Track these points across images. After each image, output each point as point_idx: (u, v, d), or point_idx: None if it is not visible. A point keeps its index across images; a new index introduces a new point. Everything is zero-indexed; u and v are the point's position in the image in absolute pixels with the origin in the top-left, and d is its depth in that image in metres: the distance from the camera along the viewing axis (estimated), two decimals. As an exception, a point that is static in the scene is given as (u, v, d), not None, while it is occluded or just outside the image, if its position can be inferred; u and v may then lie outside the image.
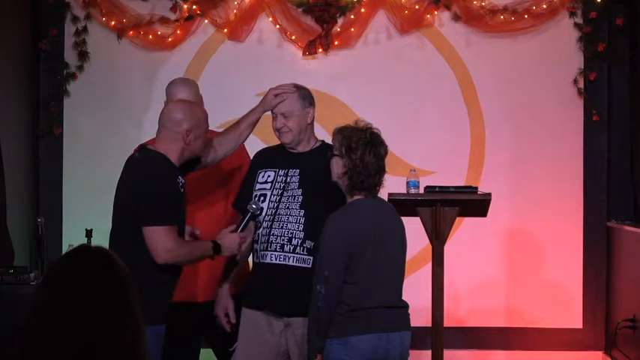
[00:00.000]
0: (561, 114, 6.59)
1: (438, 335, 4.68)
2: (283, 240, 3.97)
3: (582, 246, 6.56)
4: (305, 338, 3.80)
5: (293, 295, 3.89)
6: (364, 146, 3.75)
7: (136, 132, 6.63)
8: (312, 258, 3.89)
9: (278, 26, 6.60)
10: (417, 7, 6.55)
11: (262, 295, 4.00)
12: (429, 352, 4.77)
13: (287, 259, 3.96)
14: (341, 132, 3.82)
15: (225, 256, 4.10)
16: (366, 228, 3.73)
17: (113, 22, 6.60)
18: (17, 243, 6.07)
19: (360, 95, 6.63)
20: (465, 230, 6.31)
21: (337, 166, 3.79)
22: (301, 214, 3.98)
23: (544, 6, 6.51)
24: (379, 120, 6.12)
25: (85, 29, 6.62)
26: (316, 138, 4.19)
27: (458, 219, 4.86)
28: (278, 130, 4.11)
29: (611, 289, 6.52)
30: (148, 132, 6.54)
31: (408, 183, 4.73)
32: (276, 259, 3.97)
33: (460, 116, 6.62)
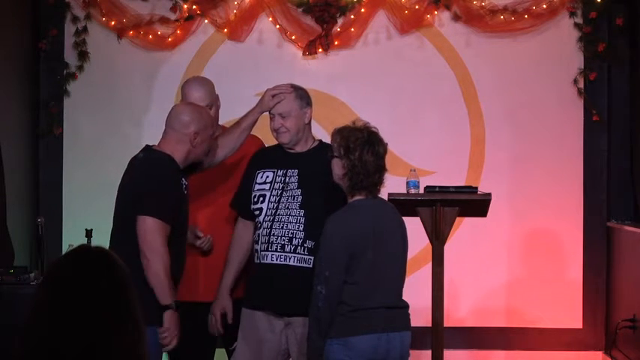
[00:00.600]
0: (561, 114, 6.59)
1: (438, 335, 4.68)
2: (284, 240, 3.97)
3: (582, 246, 6.56)
4: (305, 337, 3.80)
5: (294, 295, 3.90)
6: (362, 146, 3.75)
7: (136, 132, 6.63)
8: (312, 258, 3.89)
9: (278, 26, 6.60)
10: (417, 7, 6.55)
11: (263, 295, 4.00)
12: (429, 352, 4.77)
13: (288, 259, 3.96)
14: (339, 133, 3.82)
15: (226, 257, 4.11)
16: (366, 228, 3.73)
17: (113, 22, 6.60)
18: (17, 243, 6.07)
19: (360, 95, 6.62)
20: (465, 230, 6.31)
21: (337, 167, 3.79)
22: (301, 214, 3.99)
23: (544, 6, 6.51)
24: (379, 120, 6.12)
25: (85, 29, 6.62)
26: (314, 138, 4.19)
27: (458, 219, 4.86)
28: (276, 131, 4.11)
29: (611, 289, 6.52)
30: (148, 132, 6.55)
31: (408, 183, 4.73)
32: (276, 260, 3.97)
33: (460, 116, 6.62)
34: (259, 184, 4.11)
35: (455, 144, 6.60)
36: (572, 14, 6.54)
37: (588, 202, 6.57)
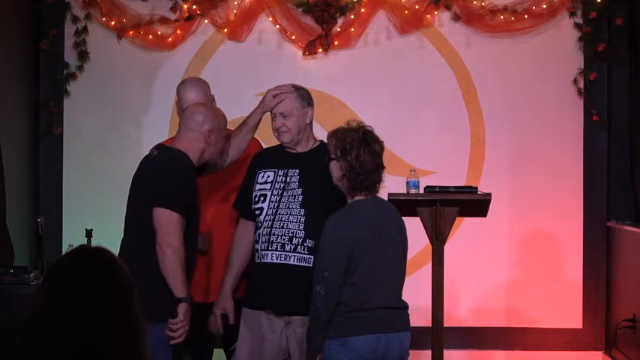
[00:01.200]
0: (561, 114, 6.59)
1: (438, 335, 4.68)
2: (284, 239, 3.98)
3: (582, 246, 6.56)
4: (305, 336, 3.80)
5: (294, 295, 3.90)
6: (358, 146, 3.74)
7: (136, 132, 6.64)
8: (313, 257, 3.90)
9: (278, 26, 6.60)
10: (417, 7, 6.55)
11: (263, 295, 4.00)
12: (429, 352, 4.77)
13: (288, 258, 3.96)
14: (334, 135, 3.82)
15: (228, 257, 4.11)
16: (366, 228, 3.73)
17: (113, 22, 6.60)
18: (17, 243, 6.07)
19: (360, 95, 6.62)
20: (465, 230, 6.31)
21: (335, 169, 3.79)
22: (301, 213, 3.99)
23: (544, 6, 6.51)
24: (379, 120, 6.15)
25: (85, 29, 6.62)
26: (315, 138, 4.19)
27: (458, 219, 4.86)
28: (277, 130, 4.12)
29: (611, 289, 6.52)
30: (147, 132, 6.56)
31: (408, 183, 4.73)
32: (277, 259, 3.98)
33: (460, 116, 6.62)
34: (260, 183, 4.12)
35: (455, 144, 6.60)
36: (572, 14, 6.54)
37: (588, 202, 6.57)
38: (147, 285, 3.70)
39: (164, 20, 6.59)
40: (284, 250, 3.97)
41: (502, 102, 6.62)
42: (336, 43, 6.58)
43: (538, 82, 6.59)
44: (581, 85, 6.54)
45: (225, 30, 6.63)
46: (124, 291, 1.95)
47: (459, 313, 6.51)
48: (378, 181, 3.80)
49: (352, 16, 6.58)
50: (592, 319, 6.53)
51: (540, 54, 6.57)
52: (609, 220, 6.54)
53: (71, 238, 6.10)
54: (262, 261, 4.01)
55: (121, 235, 6.12)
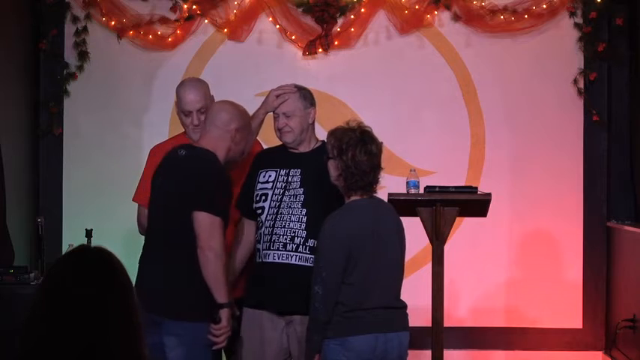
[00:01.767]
0: (561, 114, 6.59)
1: (438, 335, 4.68)
2: (286, 239, 3.98)
3: (582, 246, 6.56)
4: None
5: (296, 294, 3.90)
6: (355, 146, 3.74)
7: (136, 132, 6.64)
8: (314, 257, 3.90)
9: (278, 26, 6.60)
10: (417, 7, 6.55)
11: (265, 294, 4.00)
12: (428, 352, 4.77)
13: (290, 257, 3.97)
14: (333, 134, 3.83)
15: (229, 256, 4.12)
16: (364, 228, 3.73)
17: (113, 22, 6.60)
18: (17, 243, 6.07)
19: (360, 95, 6.62)
20: (465, 230, 6.31)
21: (332, 168, 3.80)
22: (303, 212, 4.00)
23: (544, 6, 6.51)
24: (379, 120, 6.16)
25: (85, 29, 6.62)
26: (317, 138, 4.20)
27: (458, 219, 4.86)
28: (280, 130, 4.13)
29: (611, 289, 6.52)
30: (147, 132, 6.56)
31: (408, 183, 4.73)
32: (278, 258, 3.98)
33: (460, 116, 6.62)
34: (261, 183, 4.12)
35: (455, 144, 6.60)
36: (572, 14, 6.54)
37: (588, 202, 6.57)
38: (183, 285, 3.72)
39: (164, 20, 6.59)
40: (286, 250, 3.98)
41: (502, 102, 6.62)
42: (336, 43, 6.58)
43: (538, 82, 6.59)
44: (581, 85, 6.54)
45: (225, 30, 6.63)
46: (123, 291, 1.95)
47: (459, 313, 6.51)
48: (374, 181, 3.79)
49: (352, 16, 6.58)
50: (592, 319, 6.53)
51: (540, 54, 6.57)
52: (609, 220, 6.54)
53: (71, 238, 6.10)
54: (264, 260, 4.01)
55: (121, 235, 6.19)
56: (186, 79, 4.42)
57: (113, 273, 1.96)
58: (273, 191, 4.08)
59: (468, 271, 6.45)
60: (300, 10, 6.58)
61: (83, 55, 6.62)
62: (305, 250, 3.96)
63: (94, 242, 5.28)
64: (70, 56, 6.63)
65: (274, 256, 3.99)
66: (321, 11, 6.52)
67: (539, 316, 6.53)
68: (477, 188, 4.82)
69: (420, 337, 5.24)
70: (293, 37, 6.60)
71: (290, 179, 4.08)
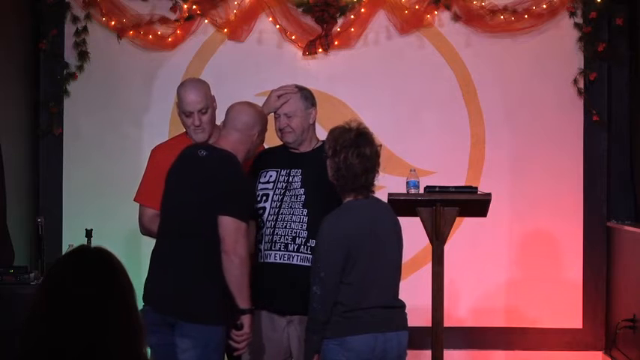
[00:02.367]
0: (561, 114, 6.59)
1: (438, 335, 4.68)
2: (287, 239, 3.99)
3: (582, 246, 6.56)
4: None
5: (297, 294, 3.90)
6: (347, 148, 3.73)
7: (136, 132, 6.64)
8: None
9: (278, 26, 6.60)
10: (417, 7, 6.55)
11: (266, 295, 4.00)
12: (428, 352, 4.77)
13: (291, 258, 3.97)
14: (331, 133, 3.83)
15: None
16: (362, 228, 3.73)
17: (113, 22, 6.60)
18: (17, 243, 6.07)
19: (360, 95, 6.63)
20: (465, 230, 6.31)
21: (329, 167, 3.80)
22: (304, 213, 4.00)
23: (544, 6, 6.51)
24: (379, 120, 6.17)
25: (85, 29, 6.62)
26: (317, 139, 4.20)
27: (458, 219, 4.86)
28: (281, 130, 4.14)
29: (611, 289, 6.52)
30: (147, 132, 6.56)
31: (408, 183, 4.73)
32: (280, 259, 3.99)
33: (460, 116, 6.62)
34: (262, 183, 4.13)
35: (455, 144, 6.60)
36: (572, 14, 6.54)
37: (588, 202, 6.57)
38: (201, 287, 3.71)
39: (164, 20, 6.59)
40: (287, 250, 3.98)
41: (502, 102, 6.62)
42: (336, 43, 6.59)
43: (538, 82, 6.59)
44: (581, 85, 6.54)
45: (225, 30, 6.63)
46: (122, 291, 1.95)
47: (459, 313, 6.51)
48: (367, 184, 3.77)
49: (352, 16, 6.58)
50: (592, 319, 6.53)
51: (540, 54, 6.57)
52: (609, 220, 6.54)
53: (71, 238, 6.10)
54: (265, 261, 4.01)
55: (121, 235, 6.20)
56: (186, 80, 4.41)
57: (113, 273, 1.96)
58: (274, 191, 4.09)
59: (468, 271, 6.45)
60: (300, 10, 6.58)
61: (83, 55, 6.62)
62: (306, 250, 3.96)
63: (94, 242, 5.28)
64: (70, 56, 6.63)
65: (276, 257, 4.00)
66: (321, 11, 6.52)
67: (539, 316, 6.53)
68: (476, 188, 4.82)
69: (420, 337, 5.24)
70: (293, 37, 6.60)
71: (291, 179, 4.09)
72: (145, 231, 4.29)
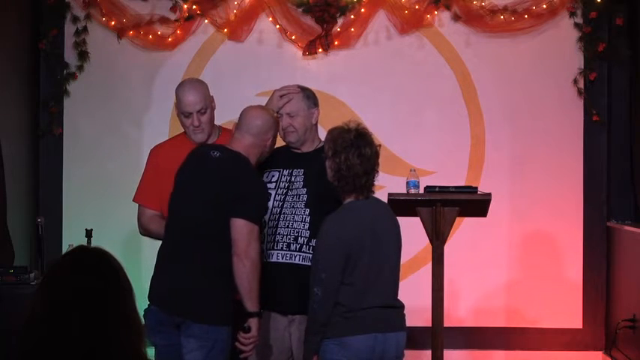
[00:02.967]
0: (561, 114, 6.59)
1: (438, 335, 4.67)
2: (289, 239, 3.99)
3: (582, 246, 6.56)
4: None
5: (299, 294, 3.89)
6: (347, 149, 3.73)
7: (135, 132, 6.64)
8: None
9: (278, 26, 6.60)
10: (417, 7, 6.55)
11: (268, 294, 4.00)
12: (428, 352, 4.76)
13: (293, 257, 3.98)
14: (330, 134, 3.83)
15: None
16: (362, 229, 3.73)
17: (113, 22, 6.60)
18: (17, 243, 6.07)
19: (360, 95, 6.63)
20: (465, 230, 6.31)
21: (328, 168, 3.80)
22: (306, 212, 4.00)
23: (544, 6, 6.51)
24: (379, 120, 6.17)
25: (85, 29, 6.62)
26: (320, 139, 4.20)
27: (458, 219, 4.85)
28: (284, 130, 4.14)
29: (611, 289, 6.52)
30: (147, 132, 6.57)
31: (408, 183, 4.73)
32: (282, 258, 3.99)
33: (460, 116, 6.62)
34: (265, 183, 4.12)
35: (455, 144, 6.60)
36: (572, 14, 6.54)
37: (588, 202, 6.57)
38: (210, 288, 3.70)
39: (164, 20, 6.59)
40: (289, 250, 3.99)
41: (502, 102, 6.62)
42: (336, 43, 6.59)
43: (538, 82, 6.59)
44: (581, 85, 6.54)
45: (225, 30, 6.63)
46: (122, 291, 1.95)
47: (459, 313, 6.51)
48: (367, 185, 3.77)
49: (352, 16, 6.58)
50: (592, 319, 6.53)
51: (540, 54, 6.57)
52: (609, 220, 6.54)
53: (71, 238, 6.10)
54: (267, 260, 4.02)
55: (121, 235, 6.20)
56: (185, 80, 4.40)
57: (112, 273, 1.96)
58: (277, 191, 4.09)
59: (468, 271, 6.45)
60: (300, 10, 6.58)
61: (83, 55, 6.62)
62: (308, 249, 3.96)
63: (94, 242, 5.28)
64: (70, 56, 6.63)
65: (278, 256, 4.00)
66: (321, 11, 6.52)
67: (539, 316, 6.53)
68: (477, 188, 4.82)
69: (420, 337, 5.25)
70: (293, 37, 6.60)
71: (293, 179, 4.09)
72: (144, 231, 4.29)
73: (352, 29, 6.59)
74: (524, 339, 6.53)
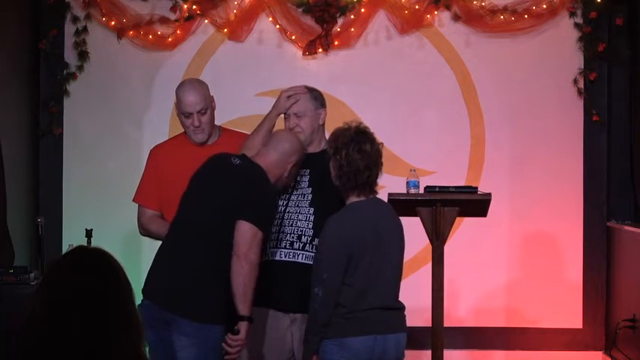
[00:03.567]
0: (561, 114, 6.59)
1: (438, 335, 4.67)
2: (293, 237, 4.00)
3: (582, 246, 6.56)
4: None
5: (301, 292, 3.90)
6: (348, 144, 3.74)
7: (135, 132, 6.64)
8: None
9: (278, 26, 6.60)
10: (417, 7, 6.55)
11: (270, 292, 4.00)
12: (428, 352, 4.76)
13: (296, 256, 3.98)
14: (332, 134, 3.84)
15: None
16: (365, 230, 3.73)
17: (113, 22, 6.60)
18: (17, 243, 6.07)
19: (360, 95, 6.62)
20: (465, 230, 6.31)
21: (332, 168, 3.81)
22: (311, 211, 4.01)
23: (544, 6, 6.51)
24: (379, 120, 6.16)
25: (85, 29, 6.62)
26: (327, 140, 4.20)
27: (458, 219, 4.85)
28: (291, 130, 4.14)
29: (611, 289, 6.52)
30: (147, 132, 6.57)
31: (408, 183, 4.72)
32: (285, 257, 3.99)
33: (460, 116, 6.62)
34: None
35: (455, 144, 6.60)
36: (572, 14, 6.54)
37: (588, 202, 6.57)
38: (208, 287, 3.71)
39: (164, 20, 6.59)
40: (292, 248, 3.99)
41: (502, 102, 6.62)
42: (336, 43, 6.59)
43: (538, 82, 6.59)
44: (581, 85, 6.54)
45: (225, 30, 6.63)
46: (122, 291, 1.95)
47: (459, 313, 6.51)
48: (369, 181, 3.77)
49: (352, 16, 6.58)
50: (592, 319, 6.53)
51: (540, 54, 6.57)
52: (609, 220, 6.54)
53: (71, 238, 6.10)
54: (271, 259, 4.02)
55: (121, 235, 6.19)
56: (185, 81, 4.40)
57: (112, 273, 1.96)
58: (282, 190, 4.10)
59: (468, 271, 6.45)
60: (300, 10, 6.58)
61: (83, 55, 6.62)
62: (311, 248, 3.96)
63: (94, 242, 5.28)
64: (70, 56, 6.63)
65: (281, 254, 4.01)
66: (321, 11, 6.52)
67: (539, 316, 6.53)
68: (477, 188, 4.82)
69: (420, 337, 5.25)
70: (293, 37, 6.60)
71: (299, 179, 4.10)
72: (144, 231, 4.29)
73: (352, 29, 6.59)
74: (524, 339, 6.53)
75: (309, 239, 3.99)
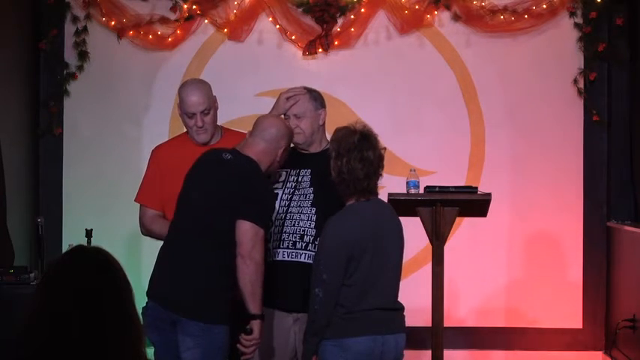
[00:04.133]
0: (561, 114, 6.59)
1: (438, 335, 4.67)
2: (295, 237, 4.00)
3: (582, 246, 6.56)
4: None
5: (303, 292, 3.89)
6: (350, 152, 3.72)
7: (135, 132, 6.64)
8: None
9: (278, 26, 6.60)
10: (417, 7, 6.56)
11: (273, 292, 4.00)
12: (428, 352, 4.77)
13: (298, 255, 3.98)
14: (335, 134, 3.82)
15: None
16: (364, 231, 3.72)
17: (113, 22, 6.60)
18: (17, 243, 6.07)
19: (360, 95, 6.63)
20: (465, 230, 6.31)
21: (332, 169, 3.80)
22: (313, 211, 4.01)
23: (544, 6, 6.51)
24: (379, 120, 6.16)
25: (85, 29, 6.62)
26: (327, 140, 4.20)
27: (458, 219, 4.85)
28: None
29: (611, 288, 6.52)
30: (147, 131, 6.57)
31: (408, 183, 4.72)
32: (287, 256, 4.00)
33: (460, 116, 6.62)
34: (273, 189, 4.12)
35: (455, 144, 6.60)
36: (572, 14, 6.55)
37: (588, 202, 6.57)
38: (212, 287, 3.71)
39: (164, 20, 6.60)
40: (295, 248, 3.99)
41: (502, 102, 6.62)
42: (336, 43, 6.59)
43: (538, 82, 6.59)
44: (581, 85, 6.54)
45: (225, 30, 6.63)
46: (122, 292, 1.95)
47: (459, 313, 6.51)
48: (369, 189, 3.76)
49: (352, 16, 6.58)
50: (592, 319, 6.53)
51: (540, 54, 6.57)
52: (609, 220, 6.54)
53: (71, 238, 6.10)
54: (273, 259, 4.02)
55: (121, 235, 6.20)
56: (188, 81, 4.39)
57: (112, 273, 1.96)
58: (283, 191, 4.10)
59: (468, 271, 6.45)
60: (300, 10, 6.58)
61: (83, 55, 6.62)
62: (314, 248, 3.96)
63: (94, 242, 5.28)
64: (70, 56, 6.64)
65: (283, 254, 4.01)
66: (321, 11, 6.52)
67: (539, 316, 6.53)
68: (477, 188, 4.82)
69: (420, 337, 5.25)
70: (293, 37, 6.60)
71: (300, 179, 4.10)
72: (146, 231, 4.29)
73: (352, 29, 6.60)
74: (524, 339, 6.53)
75: (311, 239, 3.99)
